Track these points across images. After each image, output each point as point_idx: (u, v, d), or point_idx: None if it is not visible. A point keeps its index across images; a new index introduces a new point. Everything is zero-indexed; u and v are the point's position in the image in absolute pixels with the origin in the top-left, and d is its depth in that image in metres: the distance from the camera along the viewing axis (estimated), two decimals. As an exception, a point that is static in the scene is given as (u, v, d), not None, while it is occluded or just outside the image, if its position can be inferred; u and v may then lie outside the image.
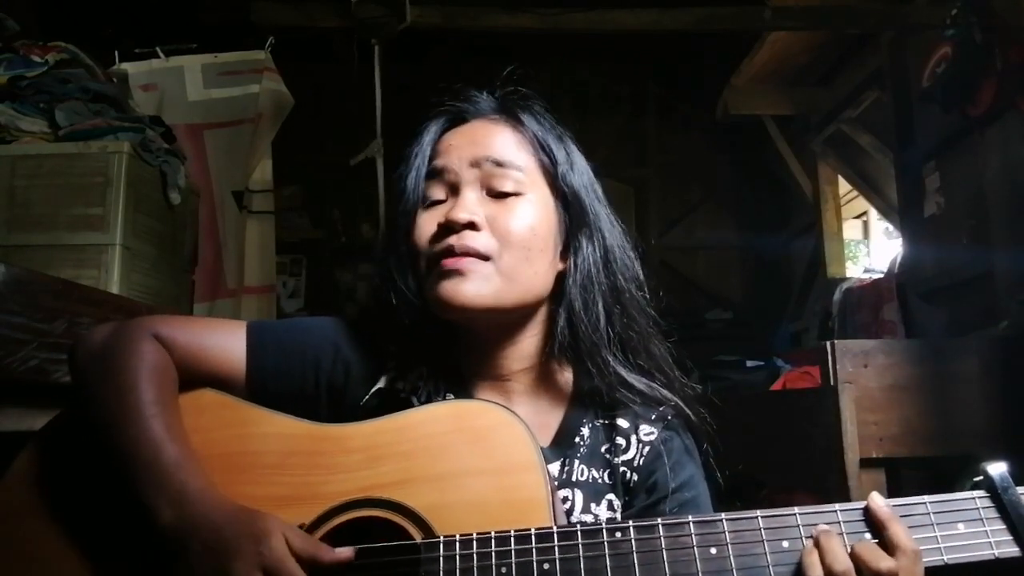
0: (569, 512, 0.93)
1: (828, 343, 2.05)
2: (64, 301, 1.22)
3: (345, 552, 0.79)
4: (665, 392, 0.99)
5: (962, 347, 2.17)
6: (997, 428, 2.00)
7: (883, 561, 0.74)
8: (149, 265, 2.17)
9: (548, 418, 0.99)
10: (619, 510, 0.94)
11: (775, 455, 2.30)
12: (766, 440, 2.35)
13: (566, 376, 1.01)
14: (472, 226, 0.92)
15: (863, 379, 2.01)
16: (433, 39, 4.43)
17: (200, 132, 3.14)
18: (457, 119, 1.02)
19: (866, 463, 1.95)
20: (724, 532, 0.78)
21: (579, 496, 0.94)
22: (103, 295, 1.47)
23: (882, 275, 3.95)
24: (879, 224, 5.20)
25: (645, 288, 1.03)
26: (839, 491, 1.89)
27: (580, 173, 1.01)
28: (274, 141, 3.28)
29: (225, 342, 0.98)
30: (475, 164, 0.96)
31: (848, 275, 4.56)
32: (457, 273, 0.91)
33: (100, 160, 2.04)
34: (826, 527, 0.77)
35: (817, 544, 0.76)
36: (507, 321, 0.97)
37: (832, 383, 2.00)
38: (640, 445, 0.96)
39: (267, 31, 3.31)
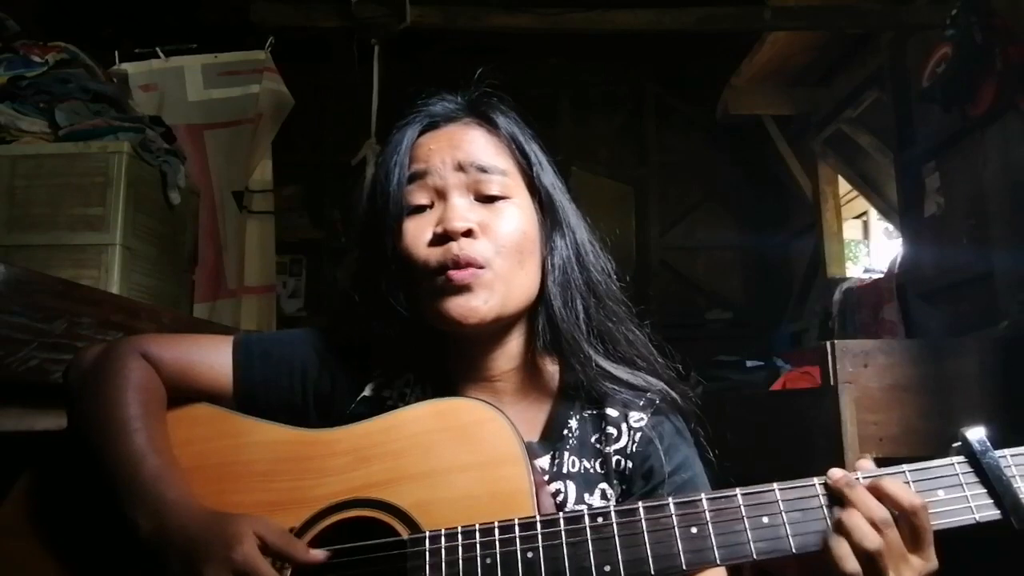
0: (562, 504, 0.93)
1: (828, 343, 2.05)
2: (64, 301, 1.22)
3: (319, 554, 0.80)
4: (650, 378, 1.00)
5: (962, 347, 2.17)
6: (997, 428, 2.00)
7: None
8: (149, 265, 2.17)
9: (536, 413, 1.00)
10: (612, 499, 0.95)
11: (775, 455, 2.30)
12: (766, 440, 2.35)
13: (552, 370, 1.02)
14: (469, 233, 0.92)
15: (863, 379, 2.01)
16: (433, 39, 4.43)
17: (200, 132, 3.14)
18: (430, 124, 1.01)
19: (866, 463, 1.95)
20: (704, 511, 0.78)
21: (571, 488, 0.95)
22: (103, 295, 1.47)
23: (882, 275, 3.94)
24: (879, 224, 5.21)
25: (614, 277, 1.04)
26: (839, 491, 1.89)
27: (549, 172, 1.02)
28: (274, 141, 3.28)
29: (212, 357, 0.99)
30: (460, 169, 0.95)
31: (848, 275, 4.56)
32: (465, 289, 0.91)
33: (100, 160, 2.04)
34: (842, 474, 0.78)
35: (841, 496, 0.76)
36: (500, 325, 0.97)
37: (832, 383, 2.00)
38: (631, 432, 0.97)
39: (267, 31, 3.32)
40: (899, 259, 3.74)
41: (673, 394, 1.00)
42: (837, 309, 4.10)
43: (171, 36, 3.33)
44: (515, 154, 1.00)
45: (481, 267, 0.92)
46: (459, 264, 0.91)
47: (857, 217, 5.38)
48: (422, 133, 1.01)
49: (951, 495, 0.78)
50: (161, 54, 3.17)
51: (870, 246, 5.38)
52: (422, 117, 1.02)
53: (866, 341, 2.38)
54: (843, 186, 4.80)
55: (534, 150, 1.01)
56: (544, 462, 0.96)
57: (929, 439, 2.01)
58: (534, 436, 0.98)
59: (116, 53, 3.13)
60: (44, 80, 2.15)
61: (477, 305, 0.91)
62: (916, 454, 1.99)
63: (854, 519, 0.74)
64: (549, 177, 1.01)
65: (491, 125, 1.00)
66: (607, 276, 1.03)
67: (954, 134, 3.14)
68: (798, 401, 2.35)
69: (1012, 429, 2.02)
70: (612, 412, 0.98)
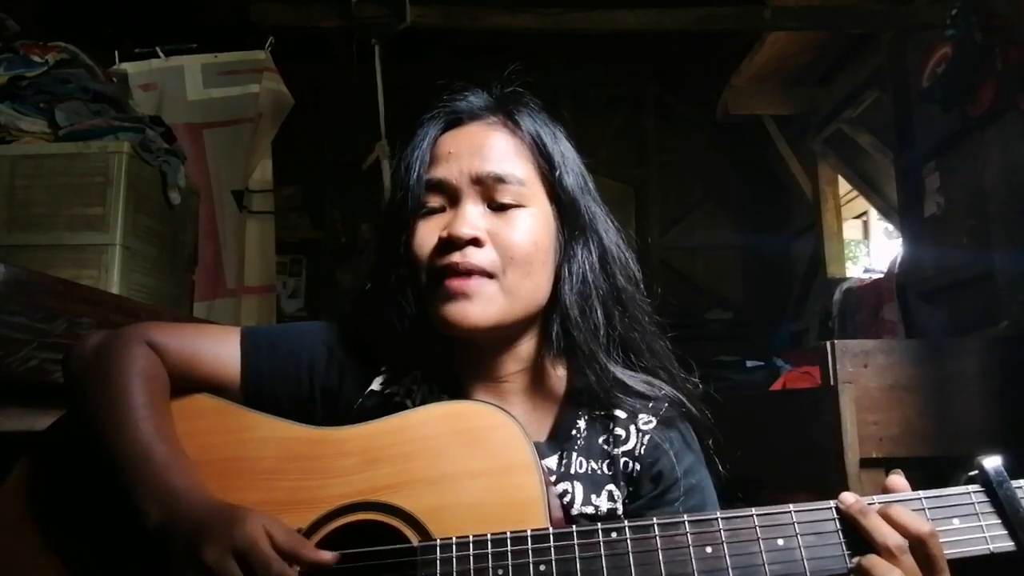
0: (570, 505, 0.93)
1: (828, 343, 2.05)
2: (64, 301, 1.22)
3: (328, 555, 0.79)
4: (666, 387, 0.99)
5: (962, 347, 2.17)
6: (997, 428, 2.00)
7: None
8: (149, 265, 2.17)
9: (544, 414, 1.00)
10: (619, 500, 0.95)
11: (775, 455, 2.30)
12: (766, 440, 2.35)
13: (560, 372, 1.01)
14: (476, 242, 0.92)
15: (863, 379, 2.01)
16: (433, 39, 4.43)
17: (200, 132, 3.14)
18: (454, 121, 1.01)
19: (866, 463, 1.95)
20: (719, 531, 0.78)
21: (579, 488, 0.94)
22: (103, 295, 1.47)
23: (882, 275, 3.94)
24: (879, 224, 5.20)
25: (642, 286, 1.03)
26: (839, 491, 1.89)
27: (575, 174, 1.00)
28: (274, 141, 3.29)
29: (219, 348, 0.98)
30: (476, 179, 0.95)
31: (848, 275, 4.56)
32: (463, 296, 0.91)
33: (100, 160, 2.04)
34: (855, 499, 0.78)
35: (854, 522, 0.76)
36: (507, 330, 0.97)
37: (832, 383, 2.00)
38: (639, 434, 0.97)
39: (267, 31, 3.32)
40: (899, 259, 3.74)
41: (688, 404, 0.99)
42: (837, 309, 4.10)
43: (171, 36, 3.33)
44: (537, 158, 0.98)
45: (489, 275, 0.91)
46: (459, 271, 0.91)
47: (857, 217, 5.37)
48: (445, 129, 1.00)
49: (966, 524, 0.78)
50: (161, 54, 3.18)
51: (870, 246, 5.37)
52: (447, 113, 1.01)
53: (866, 341, 2.38)
54: (843, 186, 4.80)
55: (560, 151, 1.00)
56: (551, 462, 0.96)
57: (929, 439, 2.01)
58: (541, 437, 0.98)
59: (116, 53, 3.13)
60: (44, 80, 2.15)
61: (473, 312, 0.91)
62: (916, 454, 2.00)
63: (871, 560, 0.75)
64: (573, 180, 0.99)
65: (515, 126, 0.99)
66: (634, 285, 1.02)
67: (954, 134, 3.14)
68: (798, 401, 2.35)
69: (1012, 429, 2.03)
70: (620, 414, 0.98)
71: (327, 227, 5.30)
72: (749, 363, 3.28)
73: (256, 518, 0.78)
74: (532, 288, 0.95)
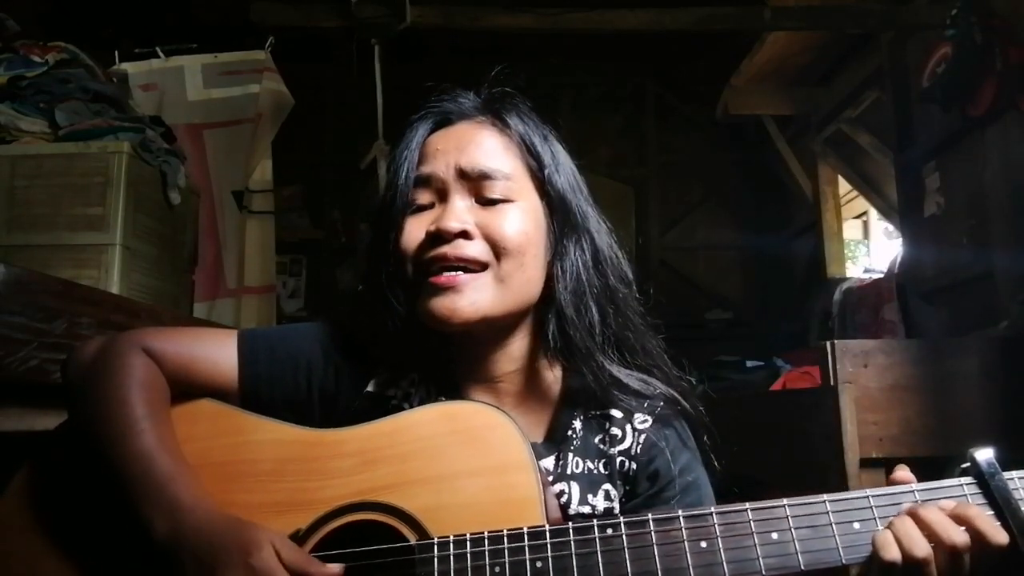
0: (567, 505, 0.93)
1: (828, 343, 2.05)
2: (64, 301, 1.22)
3: (334, 568, 0.80)
4: (661, 385, 1.00)
5: (962, 347, 2.16)
6: (997, 428, 2.00)
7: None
8: (149, 265, 2.17)
9: (540, 415, 1.00)
10: (616, 500, 0.95)
11: (775, 455, 2.30)
12: (766, 440, 2.35)
13: (556, 373, 1.02)
14: (464, 235, 0.92)
15: (863, 379, 2.01)
16: (433, 39, 4.43)
17: (200, 132, 3.14)
18: (443, 121, 1.02)
19: (866, 463, 1.95)
20: (714, 525, 0.78)
21: (575, 488, 0.94)
22: (103, 295, 1.47)
23: (882, 275, 3.94)
24: (879, 224, 5.20)
25: (633, 286, 1.03)
26: (839, 491, 1.89)
27: (566, 174, 1.01)
28: (274, 141, 3.28)
29: (216, 352, 0.98)
30: (462, 174, 0.95)
31: (848, 275, 4.56)
32: (451, 289, 0.91)
33: (100, 160, 2.04)
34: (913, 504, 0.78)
35: (913, 516, 0.76)
36: (498, 326, 0.97)
37: (832, 383, 2.00)
38: (636, 434, 0.97)
39: (267, 31, 3.32)
40: (899, 259, 3.74)
41: (682, 401, 1.00)
42: (837, 309, 4.10)
43: (171, 36, 3.33)
44: (525, 156, 0.99)
45: (481, 266, 0.92)
46: (448, 262, 0.91)
47: (857, 217, 5.37)
48: (434, 129, 1.01)
49: None
50: (161, 54, 3.18)
51: (870, 246, 5.37)
52: (435, 114, 1.02)
53: (866, 341, 2.38)
54: (843, 186, 4.80)
55: (550, 151, 1.00)
56: (548, 463, 0.96)
57: (929, 439, 2.01)
58: (538, 437, 0.98)
59: (116, 53, 3.13)
60: (44, 80, 2.15)
61: (462, 306, 0.91)
62: (916, 454, 2.00)
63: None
64: (564, 179, 1.00)
65: (503, 125, 1.00)
66: (626, 285, 1.02)
67: (954, 134, 3.14)
68: (798, 401, 2.35)
69: (1012, 429, 2.02)
70: (616, 414, 0.98)
71: (327, 227, 5.30)
72: (749, 363, 3.28)
73: (267, 538, 0.79)
74: (524, 281, 0.95)
